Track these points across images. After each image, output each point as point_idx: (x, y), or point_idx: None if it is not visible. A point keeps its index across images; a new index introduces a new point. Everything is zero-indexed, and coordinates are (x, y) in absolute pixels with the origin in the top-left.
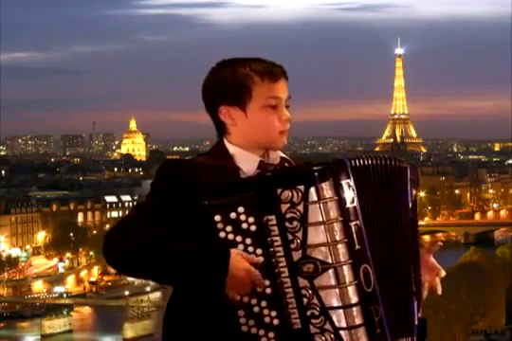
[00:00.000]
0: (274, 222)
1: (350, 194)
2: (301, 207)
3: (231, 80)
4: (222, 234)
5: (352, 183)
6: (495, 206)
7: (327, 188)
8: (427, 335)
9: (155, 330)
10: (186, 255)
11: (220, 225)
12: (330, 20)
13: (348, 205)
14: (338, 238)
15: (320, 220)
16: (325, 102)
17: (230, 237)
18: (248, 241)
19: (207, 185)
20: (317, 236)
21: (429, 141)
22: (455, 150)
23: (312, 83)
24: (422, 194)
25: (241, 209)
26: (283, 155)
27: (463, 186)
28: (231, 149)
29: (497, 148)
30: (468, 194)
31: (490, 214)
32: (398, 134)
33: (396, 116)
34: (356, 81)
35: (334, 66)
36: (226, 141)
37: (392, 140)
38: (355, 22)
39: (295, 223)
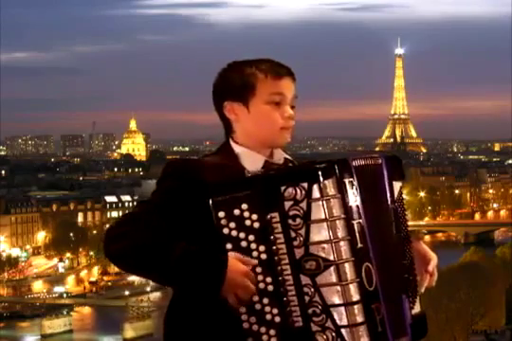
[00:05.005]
0: (277, 219)
1: (353, 193)
2: (304, 205)
3: (237, 79)
4: (225, 230)
5: (355, 182)
6: (495, 206)
7: (330, 186)
8: (427, 331)
9: (155, 330)
10: (185, 258)
11: (224, 222)
12: (330, 20)
13: (351, 203)
14: (340, 235)
15: (323, 217)
16: (325, 102)
17: (234, 233)
18: (251, 237)
19: (212, 183)
20: (319, 233)
21: (429, 141)
22: (455, 150)
23: (312, 83)
24: (422, 194)
25: (245, 206)
26: (288, 157)
27: (463, 186)
28: (237, 149)
29: (497, 148)
30: (468, 194)
31: (490, 214)
32: (398, 134)
33: (396, 116)
34: (356, 81)
35: (334, 66)
36: (231, 141)
37: (392, 140)
38: (355, 22)
39: (298, 220)
